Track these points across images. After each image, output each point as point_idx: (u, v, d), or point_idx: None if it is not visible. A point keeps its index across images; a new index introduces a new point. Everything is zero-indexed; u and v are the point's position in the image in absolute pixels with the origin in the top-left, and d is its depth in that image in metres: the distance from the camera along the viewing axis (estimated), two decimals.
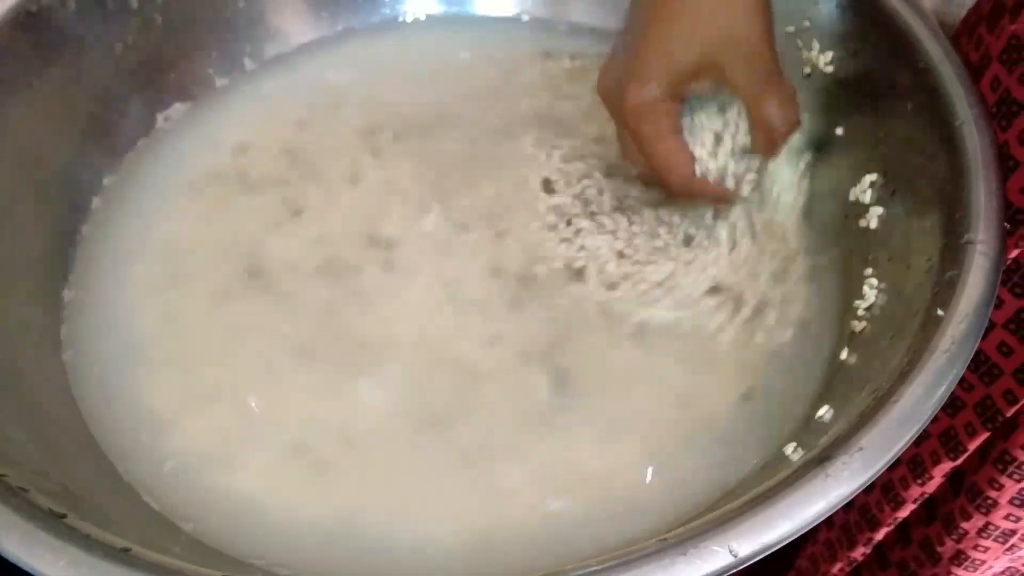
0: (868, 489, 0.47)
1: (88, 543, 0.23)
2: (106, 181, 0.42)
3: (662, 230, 0.40)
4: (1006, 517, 0.41)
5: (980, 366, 0.38)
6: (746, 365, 0.36)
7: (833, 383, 0.33)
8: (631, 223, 0.40)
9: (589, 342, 0.37)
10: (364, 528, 0.32)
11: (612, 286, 0.38)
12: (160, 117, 0.44)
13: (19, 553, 0.23)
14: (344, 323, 0.37)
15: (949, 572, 0.44)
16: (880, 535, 0.47)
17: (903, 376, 0.27)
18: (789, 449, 0.31)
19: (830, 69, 0.42)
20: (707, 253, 0.38)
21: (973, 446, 0.40)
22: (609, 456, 0.33)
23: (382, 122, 0.44)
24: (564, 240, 0.40)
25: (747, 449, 0.33)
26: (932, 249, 0.32)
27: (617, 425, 0.34)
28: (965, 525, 0.42)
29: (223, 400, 0.35)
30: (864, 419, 0.26)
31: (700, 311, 0.37)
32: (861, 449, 0.25)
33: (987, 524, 0.42)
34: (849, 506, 0.51)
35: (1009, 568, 0.45)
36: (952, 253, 0.30)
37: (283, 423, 0.35)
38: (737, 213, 0.39)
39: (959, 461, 0.42)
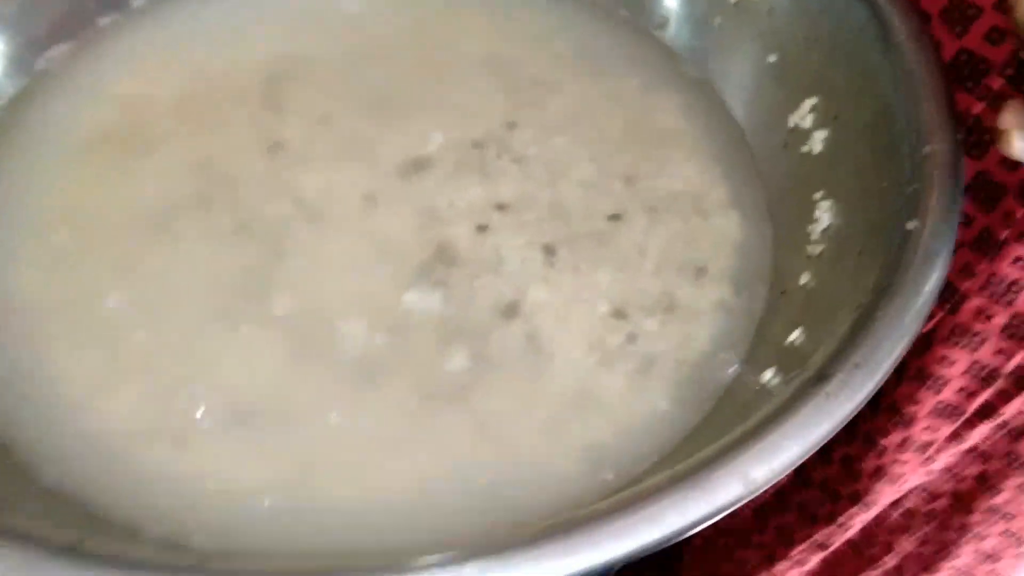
0: None
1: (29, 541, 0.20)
2: None
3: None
4: (925, 429, 0.43)
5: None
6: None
7: (799, 307, 0.33)
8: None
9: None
10: (309, 493, 0.30)
11: None
12: (40, 61, 0.39)
13: None
14: (267, 284, 0.34)
15: (869, 488, 0.45)
16: None
17: (884, 290, 0.26)
18: (767, 375, 0.30)
19: None
20: None
21: None
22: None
23: (290, 66, 0.41)
24: None
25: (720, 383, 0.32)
26: (889, 164, 0.32)
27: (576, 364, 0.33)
28: (884, 441, 0.43)
29: (140, 374, 0.32)
30: (853, 335, 0.25)
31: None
32: (857, 365, 0.25)
33: (906, 439, 0.43)
34: None
35: (924, 482, 0.47)
36: (912, 166, 0.30)
37: (210, 393, 0.32)
38: None
39: None
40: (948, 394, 0.40)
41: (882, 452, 0.44)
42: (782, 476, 0.23)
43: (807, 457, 0.23)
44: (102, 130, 0.38)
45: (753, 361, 0.33)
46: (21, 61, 0.39)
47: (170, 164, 0.37)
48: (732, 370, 0.34)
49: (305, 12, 0.43)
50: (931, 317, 0.38)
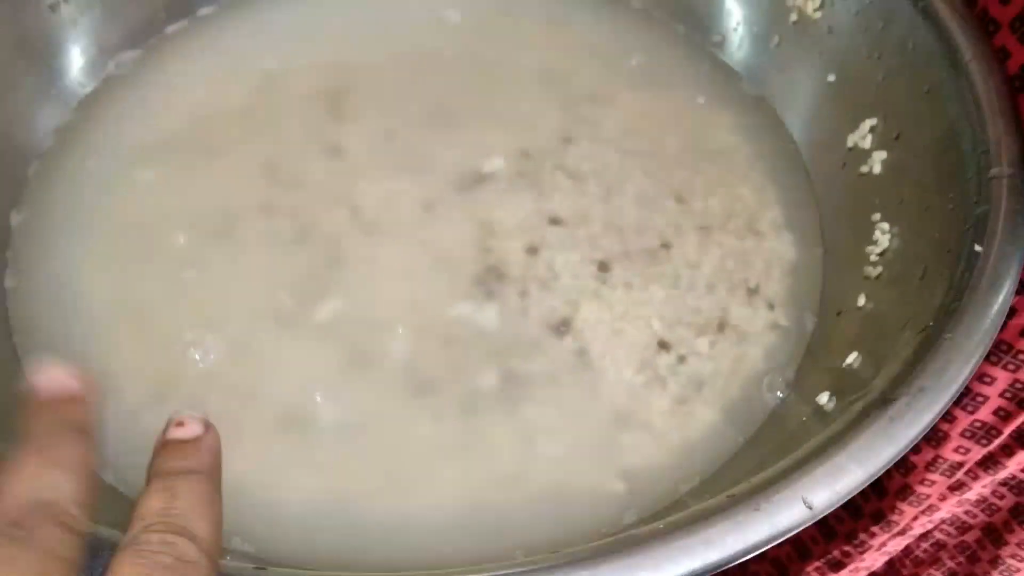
0: None
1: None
2: (48, 145, 0.38)
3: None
4: (956, 450, 0.42)
5: None
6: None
7: (856, 329, 0.32)
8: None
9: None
10: (354, 503, 0.30)
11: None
12: (111, 66, 0.40)
13: None
14: (323, 291, 0.35)
15: (893, 506, 0.44)
16: None
17: (952, 312, 0.26)
18: (823, 398, 0.30)
19: (818, 15, 0.41)
20: None
21: None
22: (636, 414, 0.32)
23: (351, 76, 0.41)
24: None
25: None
26: (954, 186, 0.31)
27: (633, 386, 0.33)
28: (914, 458, 0.42)
29: (196, 379, 0.33)
30: (919, 358, 0.25)
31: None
32: (922, 389, 0.24)
33: (936, 457, 0.42)
34: None
35: (954, 513, 0.45)
36: (979, 189, 0.29)
37: (264, 397, 0.32)
38: None
39: None
40: (984, 414, 0.39)
41: (910, 470, 0.43)
42: (843, 500, 0.22)
43: (870, 482, 0.22)
44: (168, 135, 0.39)
45: (805, 383, 0.33)
46: (94, 66, 0.40)
47: (233, 170, 0.38)
48: (783, 392, 0.34)
49: (369, 22, 0.43)
50: None
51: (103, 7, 0.40)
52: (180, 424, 0.22)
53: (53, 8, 0.38)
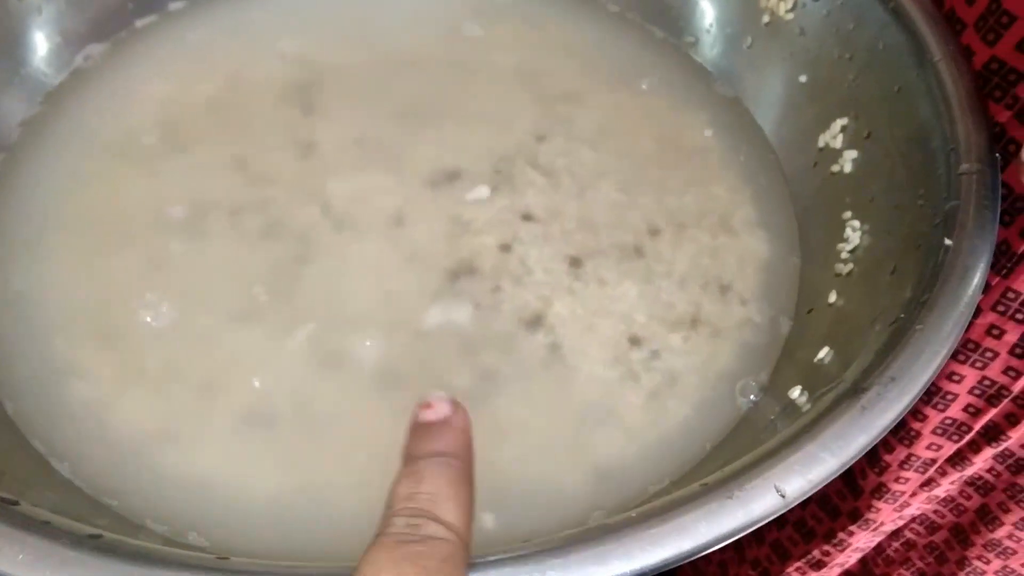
0: None
1: (48, 531, 0.20)
2: (13, 138, 0.37)
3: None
4: (928, 447, 0.42)
5: None
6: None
7: (827, 326, 0.32)
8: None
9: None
10: (321, 498, 0.30)
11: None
12: (78, 58, 0.39)
13: None
14: (293, 288, 0.34)
15: (870, 505, 0.44)
16: None
17: (922, 304, 0.26)
18: (795, 393, 0.29)
19: (791, 16, 0.41)
20: None
21: None
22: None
23: (323, 73, 0.41)
24: None
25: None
26: (925, 183, 0.31)
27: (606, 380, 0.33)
28: (888, 457, 0.43)
29: (160, 374, 0.32)
30: (889, 348, 0.25)
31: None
32: (893, 379, 0.24)
33: (909, 455, 0.43)
34: None
35: (924, 512, 0.46)
36: (949, 185, 0.30)
37: (229, 394, 0.32)
38: None
39: None
40: (955, 411, 0.40)
41: (884, 468, 0.43)
42: (816, 489, 0.22)
43: (842, 470, 0.22)
44: (136, 130, 0.38)
45: (778, 379, 0.33)
46: (60, 57, 0.39)
47: (202, 165, 0.37)
48: (756, 388, 0.34)
49: (339, 20, 0.43)
50: None
51: None
52: (428, 406, 0.23)
53: None
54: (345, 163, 0.38)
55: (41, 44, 0.39)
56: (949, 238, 0.28)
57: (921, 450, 0.40)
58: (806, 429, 0.23)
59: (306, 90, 0.40)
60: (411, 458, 0.22)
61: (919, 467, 0.41)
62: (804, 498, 0.22)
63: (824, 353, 0.30)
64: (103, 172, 0.37)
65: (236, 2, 0.44)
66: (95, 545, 0.20)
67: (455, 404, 0.23)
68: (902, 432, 0.40)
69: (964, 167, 0.29)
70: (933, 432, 0.40)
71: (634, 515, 0.21)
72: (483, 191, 0.36)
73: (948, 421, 0.39)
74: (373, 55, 0.42)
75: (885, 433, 0.23)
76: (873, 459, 0.43)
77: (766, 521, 0.21)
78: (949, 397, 0.38)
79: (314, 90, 0.40)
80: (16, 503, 0.21)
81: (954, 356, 0.37)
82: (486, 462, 0.31)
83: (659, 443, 0.32)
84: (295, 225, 0.36)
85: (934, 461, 0.41)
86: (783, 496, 0.21)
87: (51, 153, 0.37)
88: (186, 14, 0.42)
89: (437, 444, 0.22)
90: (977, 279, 0.26)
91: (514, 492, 0.30)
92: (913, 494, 0.43)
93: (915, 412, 0.39)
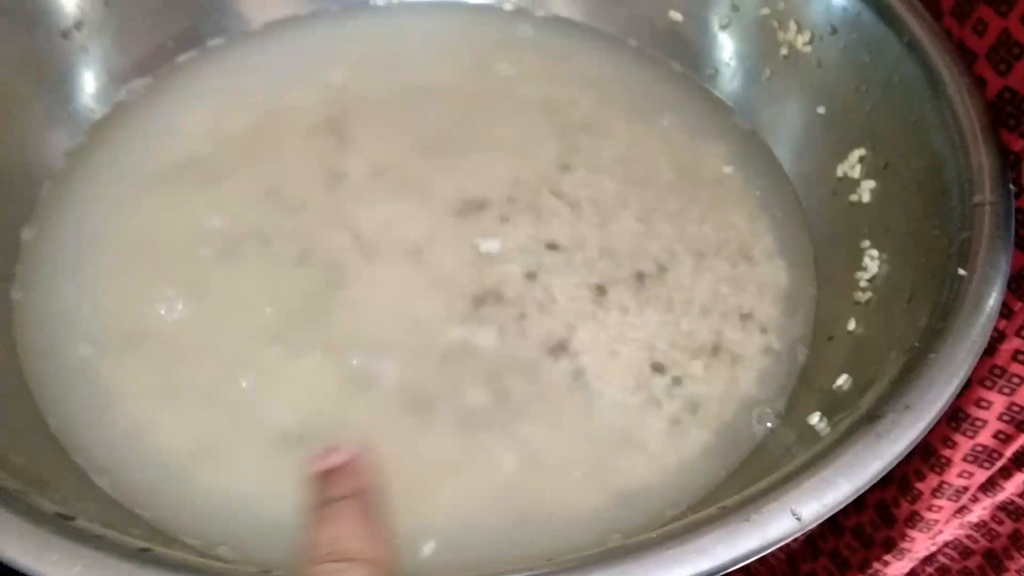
0: None
1: (102, 544, 0.21)
2: (59, 166, 0.39)
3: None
4: (960, 474, 0.42)
5: None
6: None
7: (846, 353, 0.33)
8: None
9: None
10: None
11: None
12: (121, 92, 0.41)
13: (28, 560, 0.20)
14: (323, 312, 0.36)
15: (904, 534, 0.44)
16: None
17: (937, 333, 0.27)
18: (814, 419, 0.30)
19: (808, 49, 0.42)
20: None
21: None
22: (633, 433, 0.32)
23: (353, 105, 0.42)
24: None
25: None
26: (939, 213, 0.32)
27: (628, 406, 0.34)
28: (920, 486, 0.43)
29: (195, 394, 0.33)
30: (904, 376, 0.26)
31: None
32: (907, 407, 0.25)
33: (941, 483, 0.43)
34: None
35: (957, 537, 0.46)
36: (963, 215, 0.30)
37: (266, 414, 0.33)
38: None
39: None
40: (984, 438, 0.40)
41: (917, 497, 0.43)
42: (831, 513, 0.23)
43: (856, 496, 0.23)
44: (175, 160, 0.40)
45: (796, 406, 0.33)
46: (105, 91, 0.41)
47: (237, 194, 0.39)
48: (775, 415, 0.34)
49: (369, 53, 0.45)
50: None
51: (114, 35, 0.41)
52: (331, 451, 0.27)
53: (65, 35, 0.40)
54: (374, 192, 0.40)
55: (88, 81, 0.40)
56: (963, 268, 0.28)
57: (953, 478, 0.41)
58: (822, 455, 0.24)
59: (337, 122, 0.42)
60: (322, 503, 0.25)
61: (951, 495, 0.41)
62: (819, 521, 0.23)
63: (843, 380, 0.31)
64: (143, 199, 0.38)
65: (271, 38, 0.45)
66: (145, 558, 0.21)
67: (357, 449, 0.27)
68: (933, 460, 0.41)
69: (978, 198, 0.30)
70: (964, 459, 0.40)
71: (654, 536, 0.22)
72: (494, 244, 0.38)
73: (979, 448, 0.39)
74: (402, 87, 0.43)
75: (899, 459, 0.24)
76: (905, 488, 0.43)
77: (782, 543, 0.22)
78: (978, 424, 0.39)
79: (345, 122, 0.42)
80: (73, 519, 0.22)
81: (981, 382, 0.38)
82: (508, 485, 0.32)
83: (679, 468, 0.33)
84: (326, 252, 0.37)
85: (966, 488, 0.42)
86: (799, 519, 0.22)
87: (95, 181, 0.39)
88: (224, 49, 0.44)
89: (345, 488, 0.25)
90: (990, 308, 0.27)
91: (536, 513, 0.31)
92: (946, 521, 0.43)
93: (945, 439, 0.40)
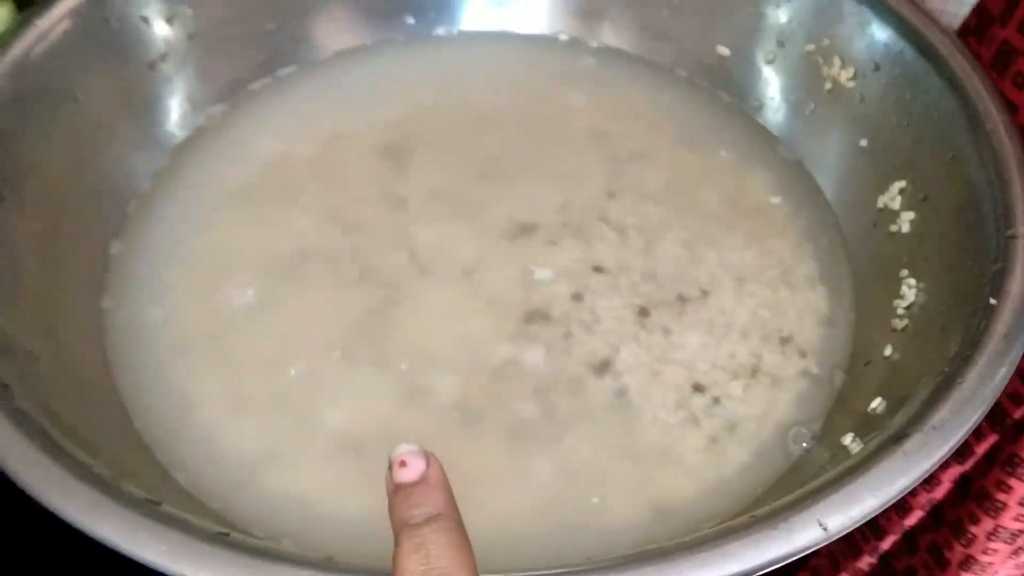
0: None
1: (187, 527, 0.24)
2: (145, 187, 0.42)
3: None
4: (1016, 518, 0.42)
5: None
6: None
7: (882, 378, 0.34)
8: None
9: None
10: None
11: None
12: (201, 117, 0.44)
13: (121, 540, 0.23)
14: (382, 328, 0.38)
15: None
16: (887, 544, 0.48)
17: (965, 359, 0.28)
18: (847, 439, 0.31)
19: (852, 84, 0.44)
20: None
21: (981, 450, 0.41)
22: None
23: (414, 132, 0.45)
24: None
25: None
26: (974, 245, 0.33)
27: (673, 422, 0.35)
28: (974, 529, 0.43)
29: (263, 401, 0.36)
30: (933, 400, 0.27)
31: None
32: (934, 428, 0.26)
33: (996, 527, 0.43)
34: None
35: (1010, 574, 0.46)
36: (998, 247, 0.31)
37: (328, 421, 0.35)
38: None
39: (967, 466, 0.43)
40: None
41: (971, 541, 0.43)
42: (856, 525, 0.24)
43: (881, 509, 0.24)
44: (248, 181, 0.43)
45: (831, 428, 0.35)
46: (186, 117, 0.44)
47: (303, 214, 0.41)
48: (811, 436, 0.36)
49: (430, 82, 0.48)
50: (1021, 401, 0.39)
51: (195, 66, 0.44)
52: (403, 464, 0.23)
53: (152, 67, 0.43)
54: (431, 215, 0.42)
55: (171, 108, 0.44)
56: (994, 298, 0.30)
57: (1008, 521, 0.41)
58: (850, 471, 0.25)
59: (398, 147, 0.44)
60: (406, 527, 0.21)
61: (1007, 538, 0.42)
62: (845, 532, 0.24)
63: (876, 403, 0.32)
64: (218, 218, 0.42)
65: (339, 67, 0.48)
66: (224, 541, 0.23)
67: (428, 455, 0.23)
68: (987, 503, 0.41)
69: (1011, 231, 0.31)
70: (1020, 503, 0.40)
71: (688, 539, 0.23)
72: (547, 273, 0.40)
73: None
74: (459, 115, 0.46)
75: (925, 477, 0.25)
76: (959, 531, 0.44)
77: (809, 551, 0.23)
78: None
79: (405, 148, 0.45)
80: (159, 504, 0.24)
81: None
82: (550, 495, 0.34)
83: (717, 485, 0.35)
84: (385, 271, 0.40)
85: (1021, 532, 0.42)
86: (825, 529, 0.24)
87: (176, 201, 0.42)
88: (294, 78, 0.47)
89: (427, 507, 0.22)
90: (1019, 338, 0.28)
91: (574, 523, 0.33)
92: (1002, 563, 0.43)
93: (1000, 483, 0.40)
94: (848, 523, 0.24)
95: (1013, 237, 0.31)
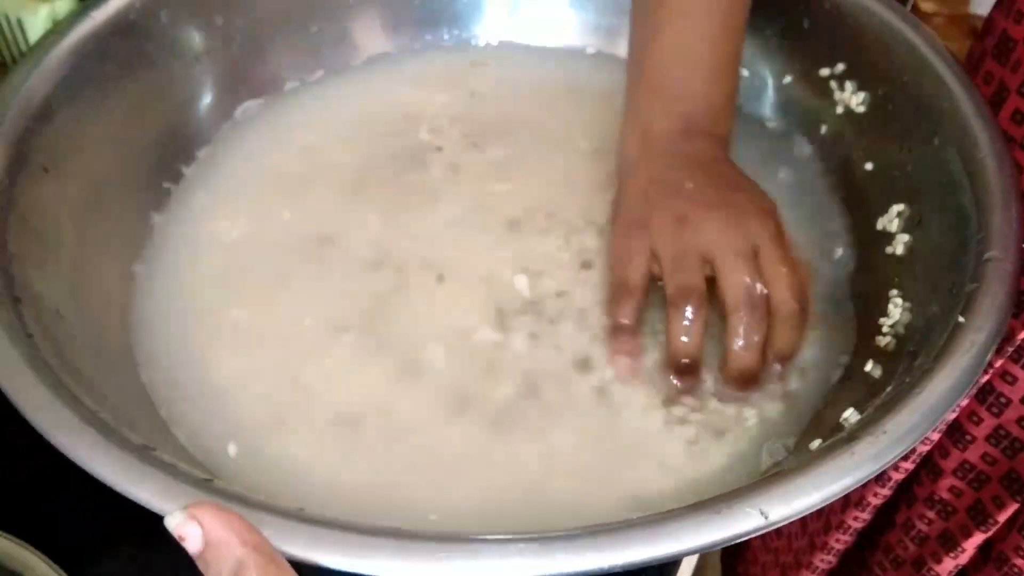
0: (898, 565, 0.49)
1: (175, 472, 0.26)
2: (185, 171, 0.45)
3: None
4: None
5: (1002, 440, 0.40)
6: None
7: (860, 392, 0.35)
8: None
9: None
10: (394, 493, 0.35)
11: None
12: (237, 112, 0.48)
13: (116, 478, 0.25)
14: (387, 312, 0.40)
15: None
16: None
17: (926, 372, 0.29)
18: (815, 445, 0.32)
19: (862, 109, 0.45)
20: None
21: (1002, 518, 0.42)
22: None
23: (433, 129, 0.48)
24: None
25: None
26: (957, 267, 0.34)
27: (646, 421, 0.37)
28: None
29: (275, 372, 0.38)
30: (887, 408, 0.28)
31: None
32: (885, 432, 0.27)
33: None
34: None
35: None
36: (975, 270, 0.32)
37: (329, 396, 0.37)
38: None
39: (990, 533, 0.43)
40: None
41: None
42: (798, 516, 0.25)
43: (823, 504, 0.26)
44: (280, 170, 0.46)
45: (806, 438, 0.35)
46: (225, 111, 0.48)
47: (325, 200, 0.45)
48: (785, 448, 0.36)
49: (453, 89, 0.50)
50: None
51: (232, 63, 0.48)
52: (183, 538, 0.21)
53: (197, 59, 0.46)
54: (441, 212, 0.44)
55: (211, 98, 0.47)
56: (964, 316, 0.31)
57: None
58: (800, 466, 0.27)
59: (415, 147, 0.47)
60: None
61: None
62: (785, 523, 0.25)
63: (848, 413, 0.33)
64: (250, 201, 0.45)
65: (373, 71, 0.51)
66: (207, 486, 0.26)
67: (196, 516, 0.21)
68: (1006, 567, 0.41)
69: (989, 254, 0.32)
70: None
71: (632, 519, 0.25)
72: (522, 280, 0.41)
73: None
74: (477, 120, 0.48)
75: (870, 478, 0.26)
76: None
77: (748, 537, 0.25)
78: None
79: (422, 148, 0.47)
80: (155, 449, 0.27)
81: None
82: (528, 486, 0.35)
83: (689, 483, 0.36)
84: (396, 257, 0.42)
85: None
86: (766, 518, 0.25)
87: (215, 183, 0.45)
88: (324, 82, 0.50)
89: (227, 562, 0.21)
90: (977, 354, 0.29)
91: (552, 510, 0.35)
92: None
93: (1017, 548, 0.41)
94: (790, 513, 0.25)
95: (990, 260, 0.32)
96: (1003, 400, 0.39)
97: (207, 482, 0.26)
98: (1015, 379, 0.38)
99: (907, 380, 0.30)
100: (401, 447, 0.36)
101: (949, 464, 0.43)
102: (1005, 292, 0.31)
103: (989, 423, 0.40)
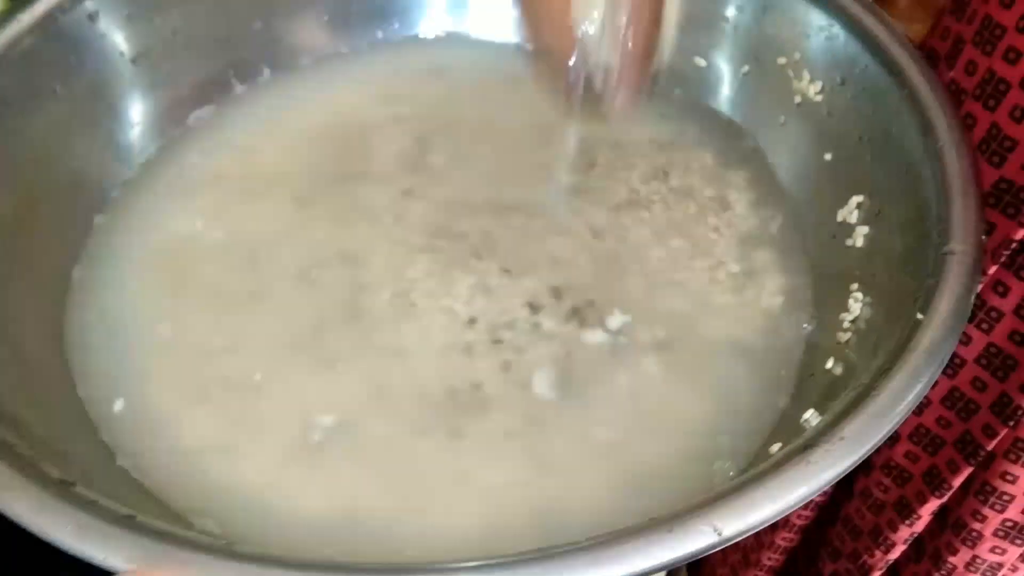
0: (856, 535, 0.49)
1: (96, 509, 0.24)
2: (126, 176, 0.44)
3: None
4: (992, 550, 0.42)
5: (956, 403, 0.40)
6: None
7: (820, 391, 0.34)
8: None
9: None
10: (365, 520, 0.33)
11: None
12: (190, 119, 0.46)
13: (30, 518, 0.24)
14: (353, 328, 0.39)
15: None
16: None
17: (883, 373, 0.28)
18: (775, 448, 0.31)
19: (819, 98, 0.44)
20: None
21: (957, 482, 0.41)
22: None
23: (378, 127, 0.46)
24: None
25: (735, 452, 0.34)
26: (915, 261, 0.33)
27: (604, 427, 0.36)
28: (953, 560, 0.43)
29: (223, 391, 0.36)
30: (846, 412, 0.27)
31: None
32: (842, 439, 0.26)
33: (974, 558, 0.43)
34: (838, 554, 0.51)
35: None
36: (934, 262, 0.31)
37: (283, 417, 0.36)
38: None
39: (944, 498, 0.43)
40: (1013, 513, 0.40)
41: (951, 572, 0.43)
42: (753, 531, 0.24)
43: (780, 517, 0.25)
44: (230, 176, 0.45)
45: (772, 438, 0.35)
46: (176, 113, 0.46)
47: (271, 209, 0.43)
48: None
49: (407, 85, 0.49)
50: (994, 433, 0.39)
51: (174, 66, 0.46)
52: None
53: (134, 62, 0.44)
54: (389, 212, 0.43)
55: (153, 103, 0.46)
56: (922, 313, 0.30)
57: (985, 552, 0.41)
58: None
59: (361, 142, 0.46)
60: None
61: (986, 571, 0.41)
62: (739, 538, 0.24)
63: (809, 415, 0.32)
64: (193, 204, 0.43)
65: (320, 72, 0.50)
66: (130, 524, 0.24)
67: None
68: (964, 533, 0.41)
69: (948, 247, 0.31)
70: (995, 534, 0.40)
71: (580, 542, 0.24)
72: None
73: (1008, 523, 0.39)
74: (431, 117, 0.47)
75: (827, 487, 0.25)
76: (939, 562, 0.43)
77: (701, 555, 0.24)
78: (1005, 498, 0.39)
79: (368, 143, 0.46)
80: (73, 484, 0.25)
81: (1006, 456, 0.38)
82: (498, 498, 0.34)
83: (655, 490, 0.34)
84: (370, 273, 0.41)
85: (1000, 565, 0.42)
86: (719, 535, 0.24)
87: (156, 187, 0.44)
88: (272, 84, 0.49)
89: None
90: (939, 354, 0.28)
91: (516, 527, 0.33)
92: None
93: (975, 512, 0.40)
94: (744, 528, 0.24)
95: (949, 253, 0.31)
96: (957, 362, 0.39)
97: (129, 519, 0.24)
98: (970, 339, 0.37)
99: (865, 381, 0.29)
100: (372, 466, 0.35)
101: (905, 429, 0.42)
102: (964, 287, 0.30)
103: (944, 385, 0.40)
